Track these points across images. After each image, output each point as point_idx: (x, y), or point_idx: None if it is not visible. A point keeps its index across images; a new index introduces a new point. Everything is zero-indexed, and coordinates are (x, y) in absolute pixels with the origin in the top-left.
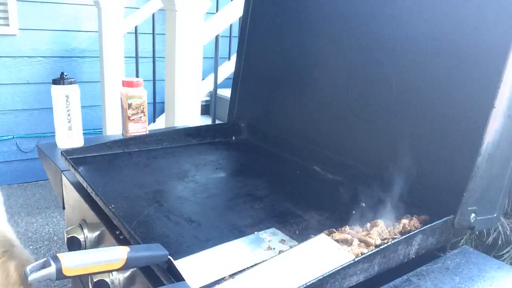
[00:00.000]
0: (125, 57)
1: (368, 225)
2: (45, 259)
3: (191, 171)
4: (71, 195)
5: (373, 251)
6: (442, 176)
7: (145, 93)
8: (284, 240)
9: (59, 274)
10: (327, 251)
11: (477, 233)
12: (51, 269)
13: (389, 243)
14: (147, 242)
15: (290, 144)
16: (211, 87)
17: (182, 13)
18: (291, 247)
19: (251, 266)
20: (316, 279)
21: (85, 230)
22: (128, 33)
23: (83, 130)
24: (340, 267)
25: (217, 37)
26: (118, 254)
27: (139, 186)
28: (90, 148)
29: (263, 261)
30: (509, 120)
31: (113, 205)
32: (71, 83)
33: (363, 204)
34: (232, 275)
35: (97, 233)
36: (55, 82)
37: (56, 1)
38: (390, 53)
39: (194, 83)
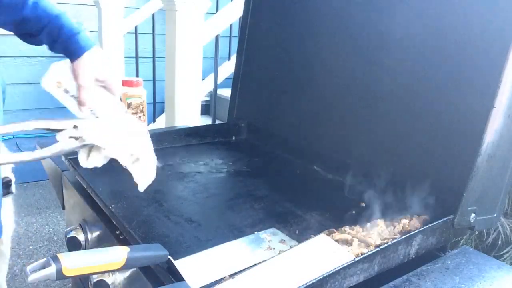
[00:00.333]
0: (125, 57)
1: (368, 225)
2: (45, 259)
3: (191, 171)
4: (71, 195)
5: (373, 251)
6: (442, 176)
7: (144, 93)
8: (284, 240)
9: (59, 274)
10: (327, 251)
11: (477, 233)
12: (51, 269)
13: (389, 243)
14: (147, 242)
15: (290, 144)
16: (211, 87)
17: (182, 13)
18: (291, 247)
19: (251, 266)
20: (316, 279)
21: (85, 230)
22: (128, 33)
23: None
24: (340, 267)
25: (217, 37)
26: (118, 254)
27: None
28: None
29: (263, 261)
30: (509, 120)
31: (113, 205)
32: None
33: (363, 204)
34: (232, 275)
35: (97, 233)
36: None
37: (56, 1)
38: (390, 52)
39: (194, 83)
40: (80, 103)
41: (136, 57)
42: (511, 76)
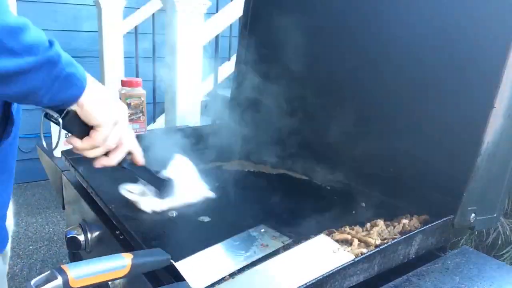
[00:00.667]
0: (125, 57)
1: (368, 225)
2: (49, 271)
3: None
4: (71, 195)
5: (373, 251)
6: (442, 176)
7: (144, 93)
8: (275, 237)
9: (66, 286)
10: (327, 251)
11: (477, 233)
12: (58, 282)
13: (389, 243)
14: (147, 242)
15: (290, 144)
16: (211, 87)
17: (182, 13)
18: (283, 242)
19: (251, 266)
20: (316, 279)
21: (85, 230)
22: (128, 33)
23: None
24: (340, 267)
25: (217, 37)
26: (122, 262)
27: None
28: None
29: (259, 258)
30: (509, 120)
31: (113, 205)
32: None
33: (363, 204)
34: (232, 275)
35: (97, 233)
36: None
37: (56, 1)
38: (390, 52)
39: (194, 83)
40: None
41: (136, 57)
42: (511, 76)
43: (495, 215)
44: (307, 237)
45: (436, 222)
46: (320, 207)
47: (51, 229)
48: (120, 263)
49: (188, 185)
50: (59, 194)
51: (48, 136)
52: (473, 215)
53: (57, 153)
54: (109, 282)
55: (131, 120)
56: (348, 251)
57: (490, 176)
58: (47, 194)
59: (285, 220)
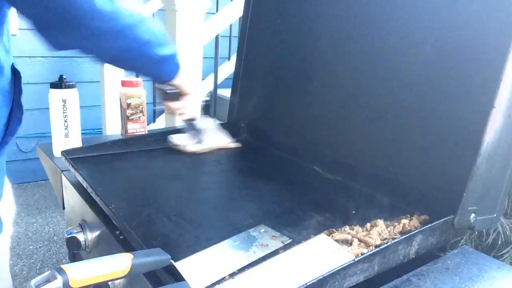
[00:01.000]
0: None
1: (368, 225)
2: (48, 272)
3: (191, 171)
4: (71, 195)
5: (373, 251)
6: (442, 176)
7: (144, 93)
8: (275, 236)
9: (66, 286)
10: (327, 251)
11: (477, 233)
12: (58, 283)
13: (389, 243)
14: (147, 242)
15: (290, 144)
16: (211, 87)
17: (182, 13)
18: (283, 242)
19: (251, 266)
20: (316, 279)
21: (85, 230)
22: None
23: (83, 130)
24: (340, 267)
25: (217, 37)
26: (122, 262)
27: (139, 186)
28: (90, 148)
29: (259, 258)
30: (509, 120)
31: (113, 205)
32: (69, 86)
33: (363, 204)
34: (232, 275)
35: (97, 233)
36: (53, 85)
37: None
38: (390, 52)
39: (194, 83)
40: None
41: None
42: (511, 76)
43: (495, 215)
44: (307, 237)
45: (436, 222)
46: (320, 207)
47: (51, 229)
48: (120, 263)
49: (217, 134)
50: (59, 194)
51: (48, 136)
52: (473, 215)
53: (57, 153)
54: (109, 282)
55: (131, 120)
56: (348, 251)
57: (490, 176)
58: (47, 194)
59: (285, 220)
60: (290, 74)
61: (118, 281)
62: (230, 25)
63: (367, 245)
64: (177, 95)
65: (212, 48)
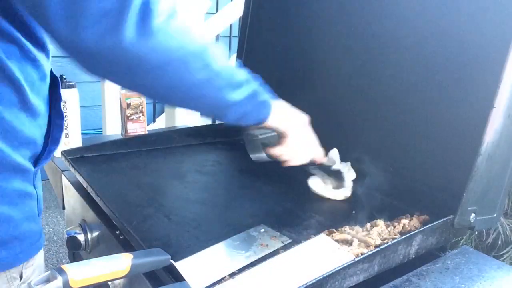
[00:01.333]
0: None
1: (368, 225)
2: (48, 272)
3: (191, 171)
4: (71, 195)
5: (373, 251)
6: (442, 176)
7: None
8: (275, 236)
9: (66, 286)
10: (327, 251)
11: (477, 233)
12: (58, 283)
13: (389, 243)
14: (147, 242)
15: None
16: None
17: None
18: (283, 242)
19: (251, 266)
20: (316, 279)
21: (85, 230)
22: None
23: (83, 130)
24: (340, 267)
25: (217, 37)
26: (122, 262)
27: (139, 186)
28: (90, 148)
29: (259, 258)
30: (509, 120)
31: (113, 205)
32: (69, 87)
33: (363, 204)
34: (232, 275)
35: (97, 233)
36: None
37: None
38: (390, 53)
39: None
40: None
41: None
42: (511, 76)
43: (495, 215)
44: (307, 237)
45: (436, 222)
46: (320, 207)
47: (51, 229)
48: (120, 263)
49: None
50: (59, 194)
51: None
52: (473, 215)
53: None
54: (109, 282)
55: (131, 120)
56: (348, 251)
57: (490, 176)
58: (47, 194)
59: (285, 220)
60: (290, 74)
61: (118, 281)
62: (230, 25)
63: (367, 245)
64: (275, 138)
65: None
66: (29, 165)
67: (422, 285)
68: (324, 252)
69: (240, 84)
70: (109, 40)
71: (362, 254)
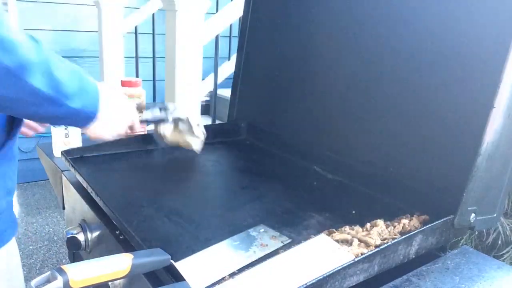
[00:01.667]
0: (125, 57)
1: (368, 225)
2: (49, 272)
3: (191, 171)
4: (71, 195)
5: (373, 251)
6: (442, 176)
7: (143, 93)
8: (275, 236)
9: (67, 286)
10: (327, 251)
11: (477, 233)
12: (58, 283)
13: (389, 243)
14: (147, 242)
15: (290, 144)
16: (211, 87)
17: (182, 13)
18: (282, 242)
19: (251, 266)
20: (316, 279)
21: (85, 230)
22: (128, 33)
23: None
24: (340, 267)
25: (217, 37)
26: (122, 262)
27: (139, 186)
28: (90, 148)
29: (259, 258)
30: (509, 120)
31: (113, 205)
32: None
33: (363, 204)
34: (232, 275)
35: (97, 233)
36: None
37: (56, 1)
38: (390, 53)
39: (194, 83)
40: None
41: (136, 57)
42: (511, 76)
43: (495, 215)
44: (307, 237)
45: (436, 222)
46: (320, 207)
47: (51, 229)
48: (120, 263)
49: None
50: (59, 194)
51: (48, 136)
52: (473, 215)
53: (57, 153)
54: (109, 283)
55: None
56: (348, 251)
57: (490, 176)
58: (47, 194)
59: (285, 220)
60: (290, 74)
61: (118, 281)
62: (230, 25)
63: (367, 245)
64: None
65: (212, 48)
66: None
67: (422, 285)
68: (324, 252)
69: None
70: None
71: (362, 254)
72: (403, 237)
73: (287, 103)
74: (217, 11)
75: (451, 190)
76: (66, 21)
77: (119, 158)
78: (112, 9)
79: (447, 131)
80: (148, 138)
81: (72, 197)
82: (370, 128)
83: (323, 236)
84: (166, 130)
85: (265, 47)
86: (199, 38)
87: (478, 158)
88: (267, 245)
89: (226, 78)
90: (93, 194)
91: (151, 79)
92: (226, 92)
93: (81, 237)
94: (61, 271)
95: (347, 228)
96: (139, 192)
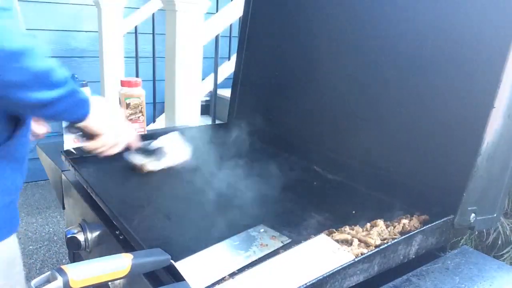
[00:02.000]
0: (125, 57)
1: (368, 225)
2: (49, 272)
3: (191, 171)
4: (71, 195)
5: (373, 251)
6: (442, 176)
7: (143, 93)
8: (275, 236)
9: (67, 287)
10: (327, 251)
11: (477, 233)
12: (58, 283)
13: (389, 243)
14: (147, 242)
15: (290, 144)
16: (211, 87)
17: (182, 13)
18: (282, 242)
19: (251, 266)
20: (316, 279)
21: (85, 230)
22: (128, 33)
23: None
24: (340, 267)
25: (217, 37)
26: (122, 262)
27: (139, 186)
28: None
29: (259, 258)
30: (509, 120)
31: (113, 205)
32: (81, 86)
33: (363, 204)
34: (232, 275)
35: (97, 233)
36: None
37: (56, 1)
38: (390, 53)
39: (194, 83)
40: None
41: (136, 57)
42: (511, 76)
43: (495, 215)
44: (307, 237)
45: (436, 222)
46: (320, 207)
47: (51, 229)
48: (120, 263)
49: (175, 151)
50: (59, 194)
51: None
52: (473, 215)
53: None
54: (109, 283)
55: (130, 120)
56: (348, 251)
57: (490, 176)
58: (47, 194)
59: (285, 220)
60: (290, 74)
61: (119, 281)
62: (230, 25)
63: (367, 245)
64: (89, 135)
65: (212, 48)
66: None
67: (422, 285)
68: (324, 252)
69: (57, 84)
70: None
71: (362, 254)
72: (403, 237)
73: (287, 103)
74: (217, 11)
75: (451, 190)
76: (66, 21)
77: (119, 158)
78: (112, 9)
79: (447, 131)
80: (148, 138)
81: (72, 197)
82: (370, 128)
83: (323, 236)
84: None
85: (265, 47)
86: (199, 38)
87: (478, 158)
88: (267, 245)
89: (226, 78)
90: (93, 194)
91: (151, 79)
92: (226, 92)
93: (81, 237)
94: (61, 271)
95: (347, 228)
96: (139, 192)
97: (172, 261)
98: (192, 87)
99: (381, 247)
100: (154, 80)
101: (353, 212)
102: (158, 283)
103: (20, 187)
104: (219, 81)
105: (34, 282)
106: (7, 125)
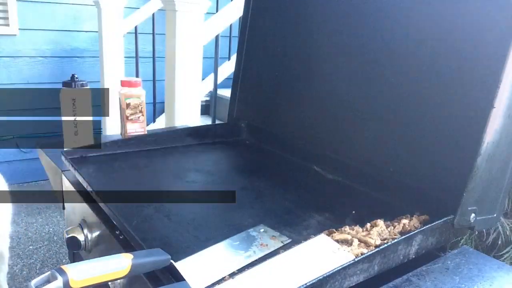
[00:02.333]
0: (125, 57)
1: (368, 225)
2: (49, 272)
3: (191, 171)
4: (71, 195)
5: (373, 251)
6: (442, 176)
7: (143, 93)
8: (275, 236)
9: (67, 287)
10: (327, 251)
11: (477, 233)
12: (58, 283)
13: (389, 243)
14: (147, 242)
15: (290, 144)
16: (211, 87)
17: (182, 13)
18: (282, 242)
19: (251, 266)
20: (316, 279)
21: (85, 230)
22: (128, 33)
23: None
24: (340, 267)
25: (217, 37)
26: (122, 262)
27: (139, 186)
28: (90, 148)
29: (259, 258)
30: (509, 120)
31: (113, 205)
32: (81, 86)
33: (363, 204)
34: (232, 275)
35: (97, 233)
36: (65, 84)
37: (56, 1)
38: (389, 52)
39: (194, 83)
40: None
41: (136, 57)
42: (511, 76)
43: (495, 215)
44: (307, 237)
45: (436, 222)
46: (320, 207)
47: (51, 229)
48: (120, 263)
49: None
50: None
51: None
52: (473, 215)
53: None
54: (109, 283)
55: (130, 120)
56: (348, 251)
57: (490, 176)
58: (47, 194)
59: (285, 220)
60: (290, 74)
61: (118, 281)
62: (230, 25)
63: (367, 245)
64: None
65: (212, 48)
66: None
67: (422, 285)
68: (324, 252)
69: None
70: None
71: (362, 254)
72: (403, 237)
73: (287, 103)
74: (217, 11)
75: (451, 190)
76: (66, 21)
77: (119, 158)
78: (112, 9)
79: (447, 131)
80: (148, 139)
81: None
82: (370, 128)
83: (323, 236)
84: None
85: (265, 47)
86: (199, 38)
87: (478, 158)
88: (267, 245)
89: (226, 78)
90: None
91: (151, 79)
92: (226, 92)
93: (81, 237)
94: (61, 271)
95: (347, 228)
96: (139, 192)
97: (172, 261)
98: (192, 87)
99: (381, 247)
100: (154, 80)
101: (353, 212)
102: (158, 283)
103: None
104: (219, 81)
105: (34, 282)
106: None
